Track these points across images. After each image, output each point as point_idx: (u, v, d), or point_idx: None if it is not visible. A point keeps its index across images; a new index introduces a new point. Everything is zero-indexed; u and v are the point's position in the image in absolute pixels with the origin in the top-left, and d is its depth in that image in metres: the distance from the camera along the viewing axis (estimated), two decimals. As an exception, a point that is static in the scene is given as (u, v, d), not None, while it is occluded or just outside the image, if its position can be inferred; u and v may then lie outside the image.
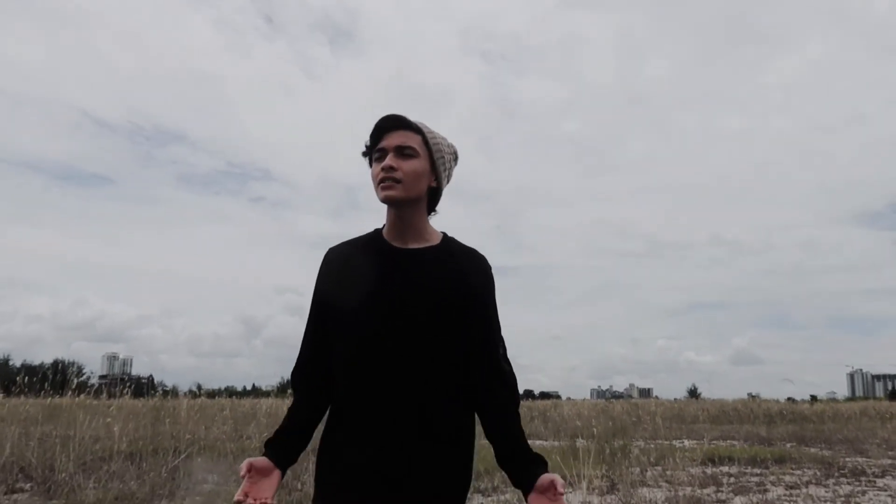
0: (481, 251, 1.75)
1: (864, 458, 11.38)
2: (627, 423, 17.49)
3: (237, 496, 1.41)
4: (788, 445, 13.73)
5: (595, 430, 13.59)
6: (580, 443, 11.70)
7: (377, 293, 1.59)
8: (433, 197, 1.72)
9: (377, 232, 1.73)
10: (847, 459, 11.11)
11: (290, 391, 1.68)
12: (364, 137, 1.68)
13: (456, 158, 1.77)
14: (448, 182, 1.76)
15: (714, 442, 13.99)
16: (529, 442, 1.63)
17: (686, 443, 13.43)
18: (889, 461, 11.02)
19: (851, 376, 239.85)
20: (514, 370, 1.71)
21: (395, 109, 1.68)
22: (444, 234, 1.74)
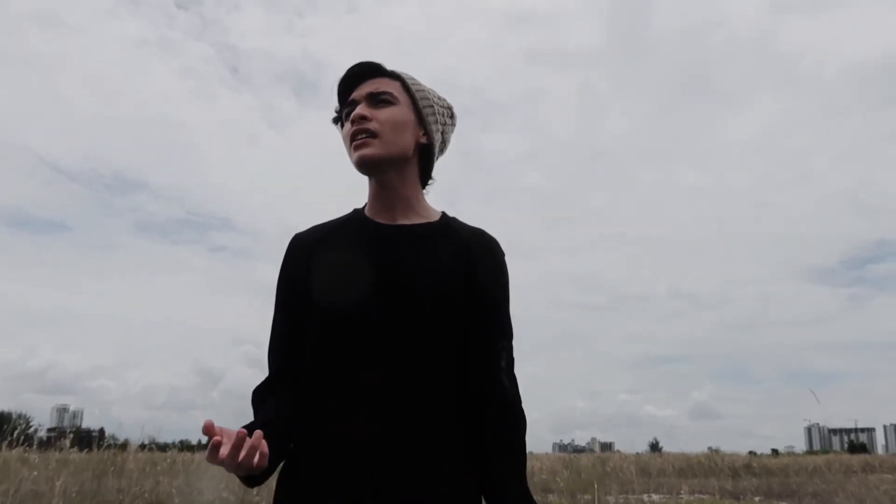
0: None
1: (835, 512, 11.19)
2: (596, 477, 17.21)
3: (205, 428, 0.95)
4: (757, 499, 13.54)
5: (561, 483, 13.30)
6: (552, 497, 11.37)
7: (361, 280, 1.21)
8: (425, 160, 1.33)
9: (357, 210, 1.34)
10: (820, 513, 10.92)
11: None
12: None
13: (452, 117, 1.38)
14: (445, 144, 1.37)
15: (681, 496, 13.73)
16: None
17: (654, 497, 13.14)
18: (861, 515, 10.84)
19: (809, 430, 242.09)
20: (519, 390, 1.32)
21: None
22: (444, 213, 1.35)
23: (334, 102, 1.35)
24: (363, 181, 1.34)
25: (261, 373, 1.34)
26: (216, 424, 0.97)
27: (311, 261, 1.27)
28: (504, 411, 1.26)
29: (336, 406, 1.17)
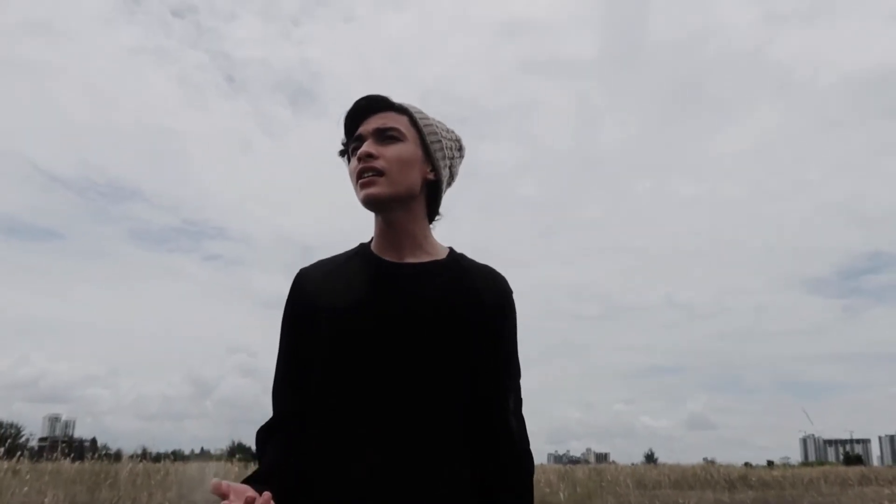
0: None
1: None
2: (592, 489, 17.18)
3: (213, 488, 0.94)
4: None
5: (560, 494, 13.27)
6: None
7: (368, 319, 1.18)
8: (432, 196, 1.31)
9: (363, 246, 1.32)
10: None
11: (253, 453, 1.25)
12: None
13: (461, 149, 1.36)
14: (452, 178, 1.36)
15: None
16: None
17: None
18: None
19: (804, 441, 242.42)
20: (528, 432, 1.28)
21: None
22: (452, 249, 1.33)
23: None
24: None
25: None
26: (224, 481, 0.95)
27: (318, 298, 1.25)
28: (511, 453, 1.24)
29: (343, 442, 1.15)
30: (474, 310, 1.23)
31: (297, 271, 1.33)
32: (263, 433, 1.24)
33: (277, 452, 1.19)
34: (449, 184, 1.36)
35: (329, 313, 1.21)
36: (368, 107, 1.27)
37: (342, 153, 1.33)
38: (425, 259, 1.28)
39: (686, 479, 24.15)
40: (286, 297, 1.30)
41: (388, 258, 1.27)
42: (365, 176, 1.21)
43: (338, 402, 1.17)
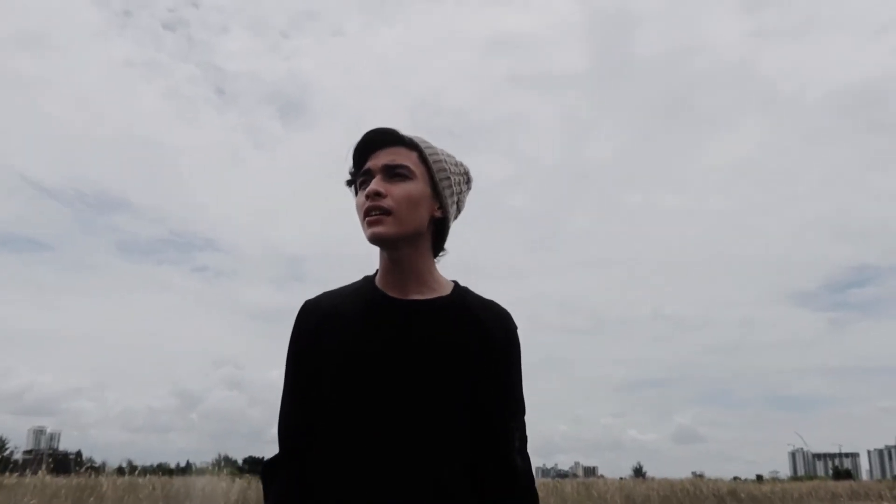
0: None
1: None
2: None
3: None
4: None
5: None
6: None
7: (370, 357, 1.18)
8: (439, 231, 1.30)
9: (368, 280, 1.31)
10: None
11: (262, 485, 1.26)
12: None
13: (468, 181, 1.35)
14: (459, 211, 1.34)
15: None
16: None
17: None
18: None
19: (793, 455, 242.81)
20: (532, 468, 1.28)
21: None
22: (456, 283, 1.33)
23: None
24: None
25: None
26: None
27: (322, 334, 1.24)
28: (517, 492, 1.24)
29: (348, 482, 1.14)
30: (478, 346, 1.23)
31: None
32: (269, 469, 1.24)
33: (281, 491, 1.20)
34: (455, 217, 1.35)
35: (333, 350, 1.21)
36: (378, 140, 1.25)
37: (349, 183, 1.31)
38: (430, 295, 1.27)
39: (675, 494, 24.12)
40: (291, 331, 1.29)
41: (392, 294, 1.26)
42: (372, 214, 1.20)
43: (343, 438, 1.16)
